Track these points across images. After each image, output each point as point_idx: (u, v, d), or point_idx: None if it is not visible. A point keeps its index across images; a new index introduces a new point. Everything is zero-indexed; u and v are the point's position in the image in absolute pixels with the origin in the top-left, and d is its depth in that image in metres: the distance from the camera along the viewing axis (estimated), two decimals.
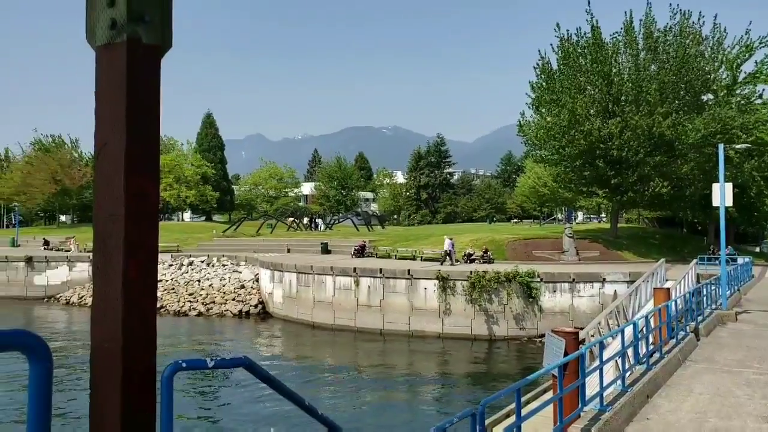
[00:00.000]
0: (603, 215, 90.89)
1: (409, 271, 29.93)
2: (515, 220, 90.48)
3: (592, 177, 39.89)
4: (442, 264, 33.11)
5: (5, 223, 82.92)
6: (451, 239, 35.33)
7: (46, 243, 55.94)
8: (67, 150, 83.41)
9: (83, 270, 45.45)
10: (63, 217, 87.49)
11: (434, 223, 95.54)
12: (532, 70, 40.76)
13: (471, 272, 28.56)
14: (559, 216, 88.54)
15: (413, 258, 37.60)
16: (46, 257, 47.00)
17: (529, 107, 41.89)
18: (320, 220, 66.59)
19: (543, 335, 26.52)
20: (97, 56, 2.29)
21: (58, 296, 43.93)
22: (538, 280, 27.96)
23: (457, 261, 34.43)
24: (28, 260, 46.09)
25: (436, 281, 28.76)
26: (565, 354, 8.56)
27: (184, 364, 2.58)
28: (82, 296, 42.17)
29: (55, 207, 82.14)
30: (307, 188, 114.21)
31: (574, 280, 27.85)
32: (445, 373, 23.43)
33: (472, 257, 35.47)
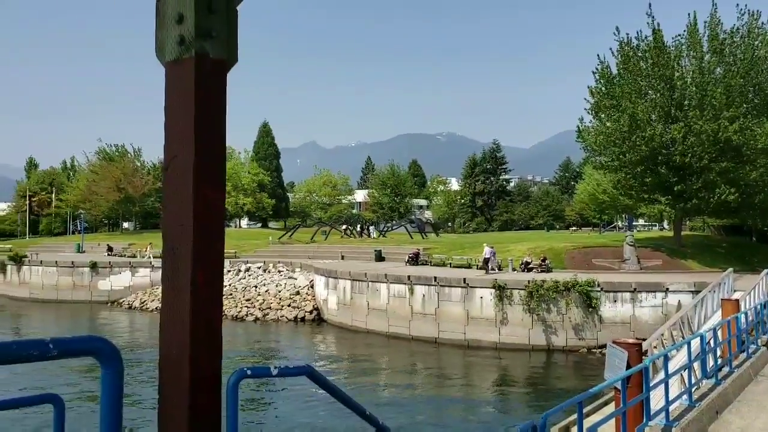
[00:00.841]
0: (665, 223, 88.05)
1: (464, 279, 29.66)
2: (574, 228, 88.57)
3: (654, 184, 38.67)
4: (486, 273, 33.08)
5: (71, 229, 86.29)
6: (491, 247, 35.36)
7: (110, 249, 58.00)
8: (129, 159, 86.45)
9: (145, 275, 46.90)
10: (126, 224, 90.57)
11: (490, 231, 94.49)
12: (590, 74, 39.97)
13: (528, 281, 28.10)
14: (620, 224, 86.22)
15: (468, 266, 37.24)
16: (109, 263, 48.68)
17: (588, 112, 41.03)
18: (372, 227, 66.73)
19: (603, 346, 25.93)
20: (167, 72, 2.37)
21: (120, 301, 45.37)
22: (598, 289, 27.27)
23: (496, 269, 34.40)
24: (93, 266, 47.83)
25: (493, 290, 28.40)
26: (628, 366, 8.30)
27: (249, 372, 2.62)
28: (144, 301, 43.51)
29: (119, 214, 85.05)
30: (360, 195, 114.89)
31: (635, 289, 27.04)
32: (502, 383, 23.08)
33: (530, 266, 34.90)
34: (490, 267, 34.16)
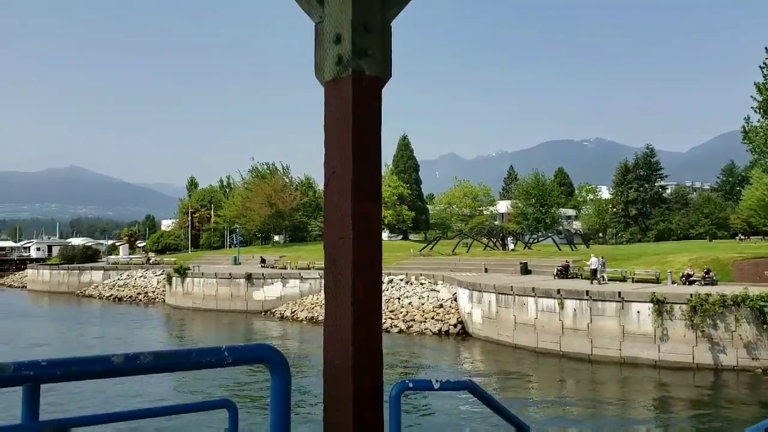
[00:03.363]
0: None
1: (619, 293, 28.09)
2: (741, 237, 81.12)
3: None
4: (591, 282, 33.30)
5: (228, 243, 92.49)
6: (601, 258, 35.79)
7: (263, 261, 61.59)
8: (279, 176, 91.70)
9: (295, 286, 49.14)
10: (276, 237, 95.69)
11: (645, 241, 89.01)
12: (756, 70, 36.58)
13: (691, 295, 26.05)
14: None
15: (623, 279, 35.28)
16: (263, 274, 51.44)
17: (755, 111, 37.54)
18: (510, 238, 65.03)
19: None
20: (326, 90, 2.46)
21: (273, 310, 47.72)
22: None
23: (604, 279, 34.04)
24: (248, 277, 50.87)
25: (651, 304, 26.62)
26: None
27: (411, 384, 2.61)
28: (294, 311, 45.58)
29: (270, 228, 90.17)
30: (503, 206, 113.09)
31: None
32: (664, 405, 21.50)
33: (692, 278, 32.38)
34: (599, 277, 33.98)
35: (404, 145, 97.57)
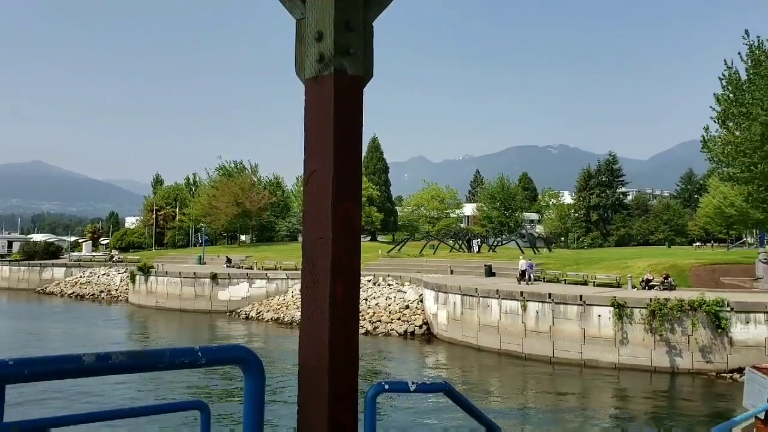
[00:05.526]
0: None
1: (581, 296, 28.58)
2: (698, 244, 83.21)
3: None
4: (519, 283, 35.33)
5: (193, 242, 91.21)
6: (529, 261, 38.83)
7: (229, 261, 60.87)
8: (247, 175, 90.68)
9: (261, 287, 48.67)
10: (243, 237, 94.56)
11: (606, 246, 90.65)
12: (716, 81, 37.53)
13: (651, 299, 26.64)
14: (749, 239, 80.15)
15: (584, 283, 35.91)
16: (228, 274, 50.85)
17: (714, 121, 38.51)
18: (475, 241, 65.74)
19: (734, 370, 24.15)
20: (306, 89, 2.42)
21: (238, 311, 47.14)
22: (728, 309, 25.37)
23: (530, 280, 35.83)
24: (213, 277, 50.21)
25: (611, 308, 27.14)
26: None
27: (386, 386, 2.62)
28: (260, 311, 45.13)
29: (237, 227, 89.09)
30: (468, 209, 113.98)
31: None
32: (623, 406, 21.96)
33: (651, 283, 33.11)
34: (527, 279, 35.97)
35: (374, 147, 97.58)
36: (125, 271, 61.63)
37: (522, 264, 37.79)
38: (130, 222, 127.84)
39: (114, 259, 75.83)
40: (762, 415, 7.23)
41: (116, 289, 60.84)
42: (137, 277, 54.65)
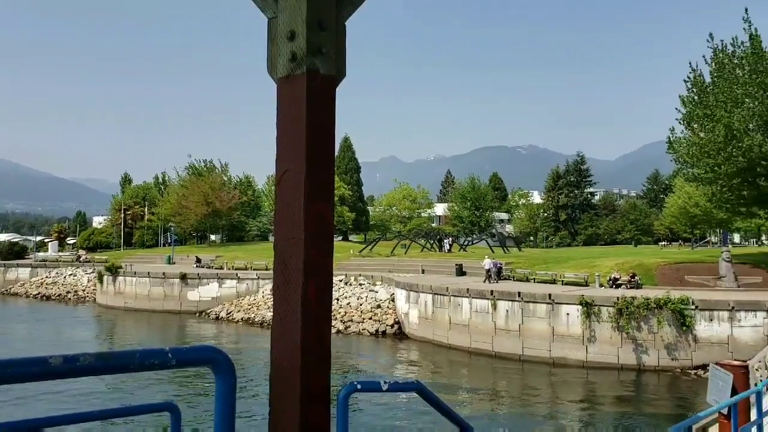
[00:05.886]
0: (763, 238, 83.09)
1: (550, 295, 28.94)
2: (663, 243, 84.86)
3: (753, 196, 36.56)
4: (484, 281, 36.05)
5: (162, 241, 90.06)
6: (492, 259, 39.28)
7: (198, 261, 60.21)
8: (217, 174, 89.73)
9: (231, 287, 48.28)
10: (213, 237, 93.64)
11: (574, 246, 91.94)
12: (681, 83, 38.32)
13: (618, 298, 27.10)
14: (713, 239, 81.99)
15: (553, 282, 36.37)
16: (198, 274, 50.35)
17: (679, 123, 39.29)
18: (447, 240, 66.17)
19: (698, 367, 24.67)
20: (278, 88, 2.40)
21: (208, 311, 46.71)
22: (693, 307, 25.95)
23: (496, 279, 36.35)
24: (183, 277, 49.66)
25: (580, 306, 27.55)
26: (733, 390, 7.81)
27: (359, 386, 2.62)
28: (230, 312, 44.76)
29: (207, 227, 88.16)
30: (440, 209, 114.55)
31: (733, 308, 25.53)
32: (590, 403, 22.29)
33: (618, 282, 33.68)
34: (492, 278, 36.58)
35: (346, 147, 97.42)
36: (93, 272, 60.63)
37: (486, 263, 38.25)
38: (98, 221, 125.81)
39: (81, 259, 74.40)
40: (725, 411, 7.41)
41: (83, 290, 59.85)
42: (105, 277, 53.84)
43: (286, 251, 2.29)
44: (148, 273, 51.69)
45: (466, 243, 66.96)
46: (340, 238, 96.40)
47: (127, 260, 64.06)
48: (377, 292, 41.58)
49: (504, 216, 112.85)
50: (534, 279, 37.89)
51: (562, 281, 36.06)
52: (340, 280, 45.07)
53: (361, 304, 40.46)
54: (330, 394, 2.28)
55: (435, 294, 33.54)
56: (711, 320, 25.76)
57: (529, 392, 23.80)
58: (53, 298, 59.04)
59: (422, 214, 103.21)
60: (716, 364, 8.44)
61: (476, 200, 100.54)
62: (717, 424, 8.05)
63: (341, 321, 38.25)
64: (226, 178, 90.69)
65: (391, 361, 30.99)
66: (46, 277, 65.62)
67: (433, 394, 2.75)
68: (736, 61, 35.99)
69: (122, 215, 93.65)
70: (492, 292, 30.73)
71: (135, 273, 52.55)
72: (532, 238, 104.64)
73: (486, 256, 41.50)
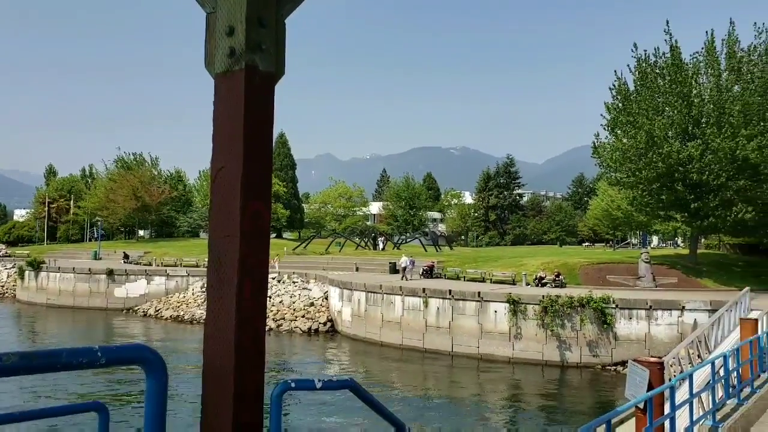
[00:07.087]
0: (679, 240, 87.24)
1: (479, 293, 29.56)
2: (587, 244, 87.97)
3: (670, 201, 38.44)
4: (401, 279, 36.55)
5: (88, 236, 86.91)
6: (410, 257, 39.62)
7: (126, 257, 58.28)
8: (147, 168, 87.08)
9: (160, 284, 47.04)
10: (141, 232, 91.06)
11: (503, 245, 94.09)
12: (607, 90, 39.90)
13: (543, 296, 27.96)
14: (633, 240, 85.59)
15: (483, 280, 37.15)
16: (125, 270, 48.83)
17: (604, 128, 40.89)
18: (381, 238, 66.56)
19: (618, 363, 25.71)
20: (216, 83, 2.35)
21: (136, 308, 45.44)
22: (613, 306, 27.06)
23: (408, 277, 36.87)
24: (109, 273, 48.04)
25: (507, 304, 28.27)
26: (649, 385, 8.21)
27: (293, 384, 2.63)
28: (159, 309, 43.60)
29: (135, 222, 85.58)
30: (375, 207, 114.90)
31: (651, 307, 26.79)
32: (515, 399, 22.91)
33: (544, 281, 34.74)
34: (408, 276, 37.07)
35: (282, 143, 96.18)
36: (13, 267, 57.86)
37: (403, 261, 38.60)
38: (20, 215, 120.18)
39: (1, 253, 70.79)
40: (642, 405, 7.80)
41: (2, 286, 57.15)
42: (26, 272, 51.65)
43: (221, 249, 2.24)
44: (73, 268, 49.68)
45: (399, 241, 67.46)
46: (275, 235, 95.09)
47: (51, 255, 61.34)
48: (311, 290, 41.35)
49: (437, 215, 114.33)
50: (464, 277, 38.59)
51: (491, 279, 36.88)
52: (273, 278, 44.53)
53: (294, 303, 40.15)
54: (264, 394, 2.27)
55: (368, 292, 33.66)
56: (630, 318, 26.92)
57: (457, 387, 24.25)
58: None
59: (357, 213, 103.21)
60: (634, 360, 8.85)
61: (410, 199, 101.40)
62: (634, 418, 8.44)
63: (273, 319, 37.83)
64: (156, 172, 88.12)
65: (324, 358, 30.92)
66: None
67: (366, 392, 2.79)
68: (657, 71, 37.76)
69: (46, 208, 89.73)
70: (424, 290, 31.11)
71: (59, 268, 50.39)
72: (463, 237, 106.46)
73: (403, 255, 41.95)
